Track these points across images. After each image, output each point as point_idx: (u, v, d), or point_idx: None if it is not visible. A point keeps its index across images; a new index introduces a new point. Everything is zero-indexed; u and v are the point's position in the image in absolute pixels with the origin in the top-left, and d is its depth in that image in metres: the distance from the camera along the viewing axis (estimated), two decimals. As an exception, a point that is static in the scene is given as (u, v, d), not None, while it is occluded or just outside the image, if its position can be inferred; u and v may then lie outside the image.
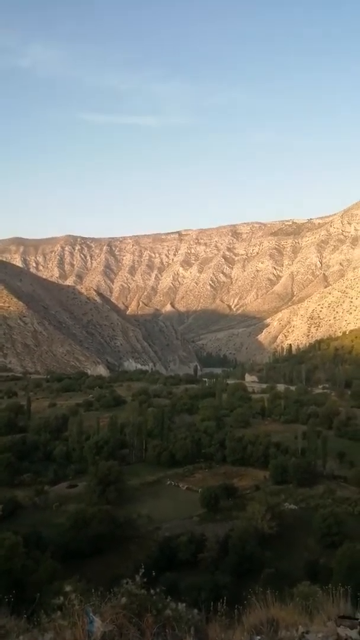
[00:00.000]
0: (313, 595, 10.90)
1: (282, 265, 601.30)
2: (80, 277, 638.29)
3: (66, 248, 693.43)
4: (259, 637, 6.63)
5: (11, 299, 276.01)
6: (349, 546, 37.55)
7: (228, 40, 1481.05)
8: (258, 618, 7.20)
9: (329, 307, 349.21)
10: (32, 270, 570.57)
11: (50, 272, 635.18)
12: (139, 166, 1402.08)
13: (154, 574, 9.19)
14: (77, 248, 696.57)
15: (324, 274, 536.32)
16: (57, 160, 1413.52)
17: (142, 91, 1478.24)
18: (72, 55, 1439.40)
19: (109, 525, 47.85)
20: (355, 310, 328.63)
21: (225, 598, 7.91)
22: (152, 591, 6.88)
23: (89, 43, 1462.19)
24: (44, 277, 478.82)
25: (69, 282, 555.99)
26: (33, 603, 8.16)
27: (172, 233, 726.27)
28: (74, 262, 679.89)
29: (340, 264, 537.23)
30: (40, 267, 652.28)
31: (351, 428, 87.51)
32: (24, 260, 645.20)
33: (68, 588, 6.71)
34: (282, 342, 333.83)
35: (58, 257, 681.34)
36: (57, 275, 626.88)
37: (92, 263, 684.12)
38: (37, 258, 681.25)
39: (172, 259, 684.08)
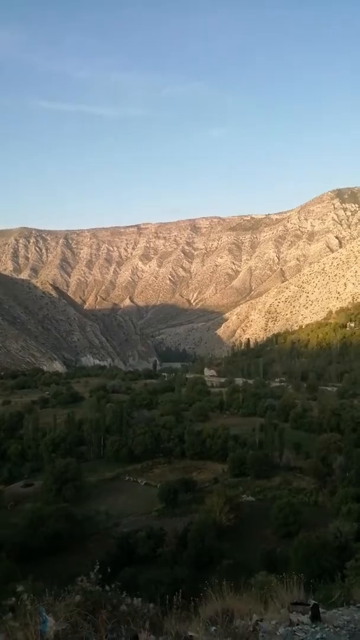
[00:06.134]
0: (268, 584, 11.10)
1: (241, 260, 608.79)
2: (35, 270, 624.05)
3: (20, 241, 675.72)
4: (214, 628, 6.66)
5: None
6: (304, 535, 38.47)
7: (188, 31, 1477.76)
8: (214, 609, 7.25)
9: (286, 301, 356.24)
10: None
11: (3, 265, 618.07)
12: (97, 157, 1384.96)
13: (109, 570, 9.11)
14: (32, 241, 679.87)
15: (281, 269, 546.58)
16: (10, 149, 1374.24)
17: (100, 80, 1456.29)
18: (25, 38, 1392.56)
19: (66, 523, 47.23)
20: (311, 304, 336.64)
21: (182, 591, 7.91)
22: (107, 587, 6.81)
23: (43, 26, 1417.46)
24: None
25: (24, 275, 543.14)
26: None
27: (131, 227, 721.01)
28: (29, 255, 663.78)
29: (297, 259, 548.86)
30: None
31: (307, 420, 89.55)
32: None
33: (20, 588, 6.56)
34: (241, 336, 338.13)
35: (12, 249, 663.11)
36: (11, 268, 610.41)
37: (47, 256, 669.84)
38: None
39: (131, 253, 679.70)
